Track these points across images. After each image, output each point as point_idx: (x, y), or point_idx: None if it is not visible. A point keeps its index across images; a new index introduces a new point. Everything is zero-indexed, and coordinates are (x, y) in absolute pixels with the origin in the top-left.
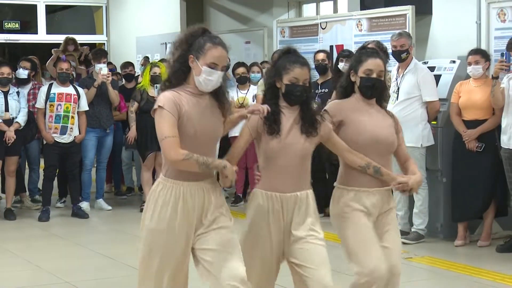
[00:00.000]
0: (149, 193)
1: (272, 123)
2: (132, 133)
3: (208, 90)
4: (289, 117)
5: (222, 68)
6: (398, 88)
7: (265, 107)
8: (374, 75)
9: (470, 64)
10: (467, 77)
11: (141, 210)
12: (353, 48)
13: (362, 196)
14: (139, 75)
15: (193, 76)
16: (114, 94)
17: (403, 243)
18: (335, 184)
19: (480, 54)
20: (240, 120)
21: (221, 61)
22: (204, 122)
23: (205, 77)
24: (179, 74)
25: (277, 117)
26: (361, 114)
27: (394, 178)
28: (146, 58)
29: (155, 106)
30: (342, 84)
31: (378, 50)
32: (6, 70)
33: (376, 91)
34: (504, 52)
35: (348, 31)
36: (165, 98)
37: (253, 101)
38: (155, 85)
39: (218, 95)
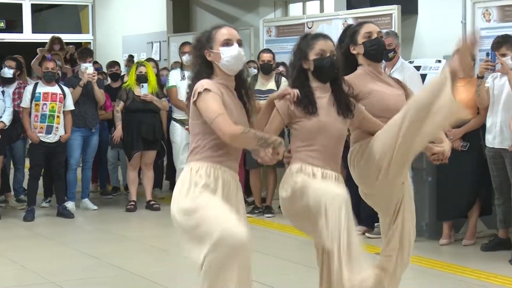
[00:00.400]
0: (181, 178)
1: (307, 104)
2: (118, 132)
3: (237, 68)
4: (322, 97)
5: (237, 41)
6: None
7: (295, 91)
8: (375, 35)
9: None
10: None
11: (127, 210)
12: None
13: None
14: (124, 74)
15: (218, 68)
16: (100, 94)
17: None
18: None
19: None
20: (271, 108)
21: (233, 36)
22: (238, 114)
23: (226, 56)
24: (204, 75)
25: (311, 97)
26: (374, 84)
27: (430, 148)
28: (130, 57)
29: (199, 90)
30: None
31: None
32: None
33: (383, 51)
34: (490, 52)
35: (335, 30)
36: (206, 83)
37: None
38: (141, 84)
39: (242, 95)
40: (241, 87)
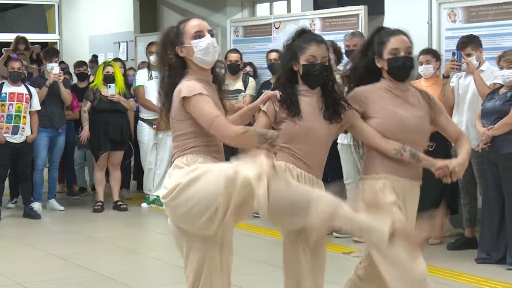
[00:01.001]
0: (176, 177)
1: (290, 106)
2: (85, 132)
3: (212, 59)
4: (310, 101)
5: (209, 32)
6: None
7: (276, 92)
8: (402, 54)
9: (421, 63)
10: (419, 76)
11: (94, 210)
12: None
13: (393, 183)
14: (90, 74)
15: (193, 64)
16: (66, 93)
17: (356, 241)
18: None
19: (431, 53)
20: (252, 112)
21: (203, 27)
22: (220, 109)
23: (199, 49)
24: (178, 71)
25: (294, 98)
26: (390, 103)
27: (433, 163)
28: (94, 57)
29: (190, 94)
30: (360, 70)
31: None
32: None
33: (408, 72)
34: (455, 52)
35: None
36: (197, 85)
37: None
38: (108, 84)
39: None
40: (215, 81)
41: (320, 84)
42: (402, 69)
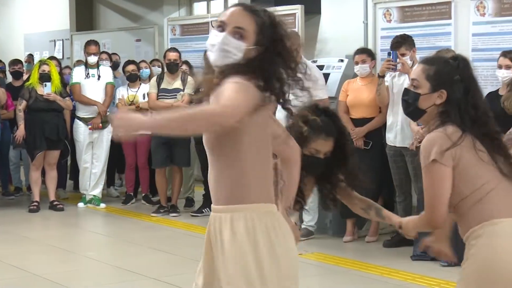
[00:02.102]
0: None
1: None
2: (21, 132)
3: (214, 60)
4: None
5: (219, 24)
6: None
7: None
8: None
9: (357, 63)
10: (355, 75)
11: (30, 211)
12: None
13: None
14: (24, 72)
15: None
16: (0, 92)
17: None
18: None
19: (366, 53)
20: None
21: (225, 17)
22: None
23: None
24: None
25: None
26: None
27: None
28: (30, 56)
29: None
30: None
31: None
32: None
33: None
34: (391, 52)
35: None
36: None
37: (144, 99)
38: (44, 83)
39: None
40: None
41: (314, 175)
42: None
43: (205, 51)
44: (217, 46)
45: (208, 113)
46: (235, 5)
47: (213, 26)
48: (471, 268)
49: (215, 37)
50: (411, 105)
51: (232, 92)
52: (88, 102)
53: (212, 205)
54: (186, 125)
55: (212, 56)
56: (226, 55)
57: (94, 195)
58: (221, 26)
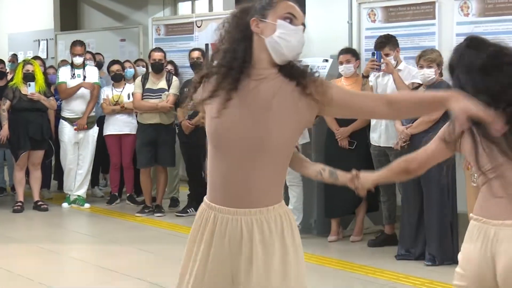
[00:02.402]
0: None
1: None
2: (5, 132)
3: (287, 58)
4: None
5: (303, 25)
6: None
7: None
8: None
9: (341, 63)
10: (339, 75)
11: (14, 211)
12: None
13: None
14: (8, 72)
15: (258, 53)
16: None
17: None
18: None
19: (351, 53)
20: None
21: (300, 15)
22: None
23: (282, 33)
24: (240, 54)
25: None
26: None
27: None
28: (14, 56)
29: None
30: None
31: None
32: None
33: None
34: (375, 52)
35: None
36: None
37: (128, 99)
38: (28, 83)
39: None
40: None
41: None
42: None
43: (190, 51)
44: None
45: None
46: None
47: (198, 26)
48: None
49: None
50: None
51: None
52: (74, 91)
53: (237, 208)
54: None
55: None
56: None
57: (78, 195)
58: (291, 19)
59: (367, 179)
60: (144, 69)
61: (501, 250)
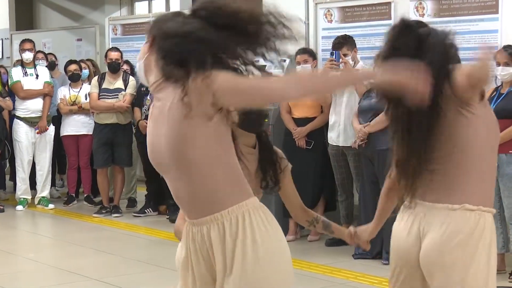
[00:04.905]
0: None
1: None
2: None
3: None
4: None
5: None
6: None
7: None
8: None
9: (299, 63)
10: None
11: None
12: None
13: None
14: None
15: None
16: None
17: None
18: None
19: (308, 53)
20: None
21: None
22: None
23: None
24: None
25: None
26: None
27: (343, 233)
28: None
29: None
30: None
31: None
32: None
33: None
34: (334, 52)
35: None
36: None
37: (86, 99)
38: None
39: None
40: None
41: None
42: None
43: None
44: None
45: None
46: None
47: None
48: None
49: None
50: None
51: None
52: (35, 94)
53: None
54: None
55: None
56: None
57: (42, 197)
58: None
59: (364, 233)
60: (87, 71)
61: None
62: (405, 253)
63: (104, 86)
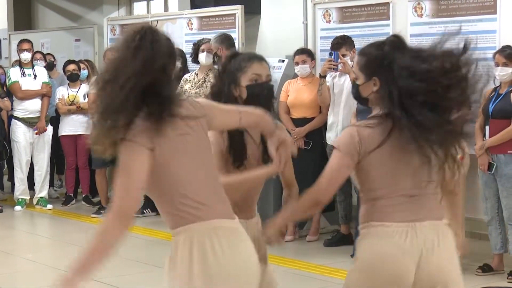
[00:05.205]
0: None
1: (235, 153)
2: None
3: None
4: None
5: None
6: None
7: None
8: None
9: (297, 63)
10: (295, 76)
11: None
12: (184, 47)
13: None
14: None
15: None
16: None
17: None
18: None
19: (306, 53)
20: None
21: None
22: None
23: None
24: None
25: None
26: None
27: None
28: None
29: None
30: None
31: None
32: None
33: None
34: (332, 52)
35: (179, 29)
36: None
37: (84, 99)
38: None
39: None
40: None
41: (268, 108)
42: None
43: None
44: None
45: None
46: None
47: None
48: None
49: None
50: (356, 95)
51: None
52: (32, 94)
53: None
54: None
55: None
56: None
57: (41, 197)
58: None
59: (270, 228)
60: (86, 72)
61: None
62: (399, 275)
63: None
